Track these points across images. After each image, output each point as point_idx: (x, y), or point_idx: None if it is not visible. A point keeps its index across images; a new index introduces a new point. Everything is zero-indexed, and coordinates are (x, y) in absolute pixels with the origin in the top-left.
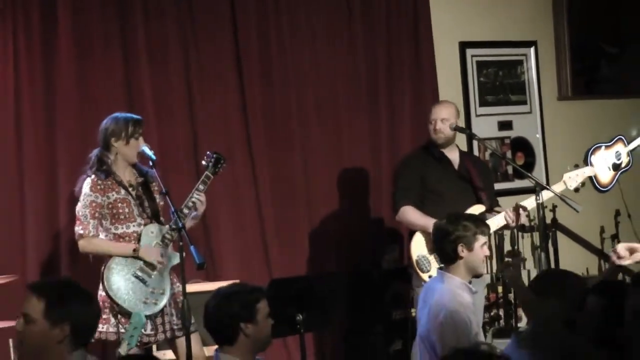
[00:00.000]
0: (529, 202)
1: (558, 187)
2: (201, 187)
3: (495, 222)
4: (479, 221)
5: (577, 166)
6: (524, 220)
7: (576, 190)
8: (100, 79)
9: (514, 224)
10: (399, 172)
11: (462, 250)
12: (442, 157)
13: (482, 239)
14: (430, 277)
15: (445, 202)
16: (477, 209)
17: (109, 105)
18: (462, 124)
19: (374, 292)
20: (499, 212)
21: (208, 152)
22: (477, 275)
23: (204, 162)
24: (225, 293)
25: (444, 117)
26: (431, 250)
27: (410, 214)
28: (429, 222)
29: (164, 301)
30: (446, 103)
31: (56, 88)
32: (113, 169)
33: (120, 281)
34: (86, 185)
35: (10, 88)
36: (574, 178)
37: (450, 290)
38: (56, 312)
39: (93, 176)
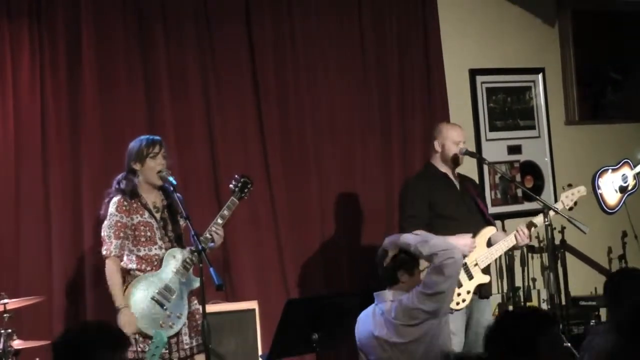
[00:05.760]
0: (539, 219)
1: (558, 207)
2: (226, 212)
3: (507, 243)
4: None
5: (570, 186)
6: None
7: (570, 208)
8: (123, 108)
9: (523, 243)
10: (406, 198)
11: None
12: (446, 179)
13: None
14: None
15: (456, 226)
16: (489, 231)
17: (131, 133)
18: (472, 148)
19: None
20: (505, 233)
21: (236, 176)
22: None
23: (231, 186)
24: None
25: (465, 140)
26: None
27: None
28: (452, 239)
29: (179, 325)
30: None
31: (81, 117)
32: (139, 191)
33: (139, 303)
34: (112, 205)
35: (37, 118)
36: (570, 197)
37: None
38: None
39: (119, 196)
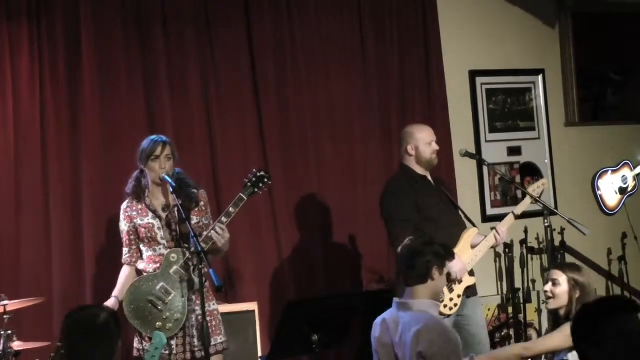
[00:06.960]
0: (518, 209)
1: (525, 202)
2: (231, 209)
3: (488, 244)
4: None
5: (536, 179)
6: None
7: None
8: (123, 108)
9: (502, 242)
10: (393, 202)
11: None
12: (425, 181)
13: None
14: (445, 306)
15: (441, 228)
16: (472, 233)
17: (131, 133)
18: (472, 149)
19: None
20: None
21: (253, 169)
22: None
23: (245, 180)
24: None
25: (436, 139)
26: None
27: None
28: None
29: (178, 326)
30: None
31: (81, 117)
32: (147, 192)
33: (133, 304)
34: (121, 212)
35: (37, 118)
36: (536, 191)
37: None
38: None
39: (127, 201)
